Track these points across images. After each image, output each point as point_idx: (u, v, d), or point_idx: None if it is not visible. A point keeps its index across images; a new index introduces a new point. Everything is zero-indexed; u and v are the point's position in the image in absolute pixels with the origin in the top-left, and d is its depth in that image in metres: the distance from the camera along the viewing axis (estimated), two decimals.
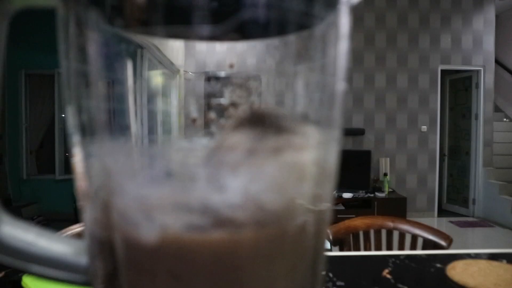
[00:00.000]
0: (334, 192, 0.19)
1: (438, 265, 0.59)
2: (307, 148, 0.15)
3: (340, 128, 0.18)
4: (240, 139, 0.14)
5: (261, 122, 0.15)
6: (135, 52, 0.16)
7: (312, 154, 0.16)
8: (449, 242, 0.97)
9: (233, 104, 0.21)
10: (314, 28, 0.16)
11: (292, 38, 0.16)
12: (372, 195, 3.64)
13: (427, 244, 0.99)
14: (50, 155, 4.01)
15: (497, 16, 4.18)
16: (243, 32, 0.15)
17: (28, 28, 3.57)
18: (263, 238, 0.14)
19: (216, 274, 0.14)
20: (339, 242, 1.09)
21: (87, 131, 0.15)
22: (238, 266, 0.14)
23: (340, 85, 0.17)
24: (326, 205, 0.17)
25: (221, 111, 0.22)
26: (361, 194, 3.65)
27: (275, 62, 0.17)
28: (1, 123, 3.87)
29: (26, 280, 0.43)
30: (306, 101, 0.17)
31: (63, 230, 0.75)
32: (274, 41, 0.16)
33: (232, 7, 0.14)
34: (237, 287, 0.14)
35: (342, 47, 0.17)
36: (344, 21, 0.17)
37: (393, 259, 0.62)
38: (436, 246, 0.97)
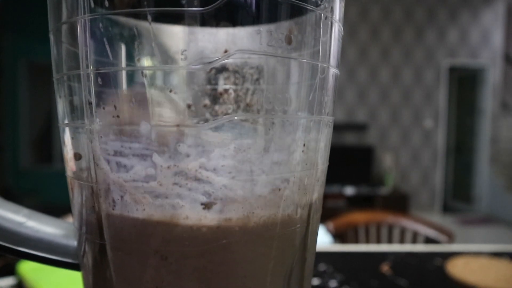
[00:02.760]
0: (324, 181, 0.19)
1: (439, 261, 0.58)
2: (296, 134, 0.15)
3: (332, 115, 0.17)
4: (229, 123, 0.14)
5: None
6: (128, 36, 0.16)
7: (301, 142, 0.15)
8: (451, 238, 0.97)
9: (227, 90, 0.21)
10: (309, 13, 0.16)
11: (286, 24, 0.16)
12: (375, 191, 3.63)
13: (428, 240, 0.99)
14: (49, 146, 4.02)
15: (509, 10, 4.10)
16: (235, 16, 0.15)
17: (28, 17, 3.55)
18: (252, 221, 0.14)
19: (204, 255, 0.14)
20: (340, 236, 1.09)
21: (76, 114, 0.15)
22: (226, 247, 0.14)
23: (333, 71, 0.17)
24: (316, 191, 0.17)
25: (216, 97, 0.22)
26: (364, 190, 3.64)
27: (269, 48, 0.17)
28: (0, 113, 3.86)
29: (22, 269, 0.44)
30: (299, 87, 0.16)
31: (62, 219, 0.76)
32: (268, 27, 0.16)
33: None
34: (225, 268, 0.14)
35: (336, 33, 0.17)
36: (338, 6, 0.17)
37: (393, 254, 0.62)
38: (437, 242, 0.97)
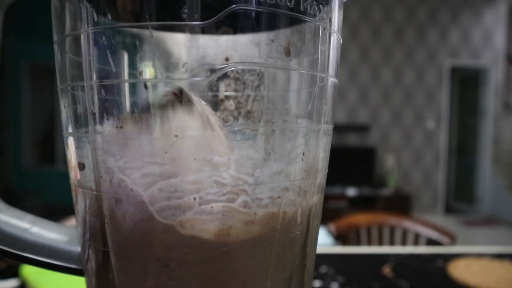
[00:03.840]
0: (324, 185, 0.19)
1: (440, 263, 0.58)
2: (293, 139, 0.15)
3: (331, 123, 0.18)
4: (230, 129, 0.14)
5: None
6: (131, 47, 0.16)
7: (299, 149, 0.16)
8: (453, 240, 0.97)
9: (228, 97, 0.22)
10: (307, 25, 0.16)
11: (285, 35, 0.16)
12: (376, 192, 3.63)
13: (430, 242, 0.99)
14: (52, 146, 4.02)
15: (511, 10, 4.09)
16: (236, 26, 0.16)
17: (31, 18, 3.55)
18: (252, 228, 0.15)
19: (205, 262, 0.14)
20: (342, 237, 1.09)
21: (80, 123, 0.16)
22: (227, 254, 0.14)
23: (332, 81, 0.17)
24: (315, 198, 0.17)
25: (217, 104, 0.22)
26: (366, 190, 3.63)
27: (269, 60, 0.17)
28: (2, 113, 3.86)
29: (24, 271, 0.44)
30: (298, 96, 0.17)
31: (64, 221, 0.76)
32: (268, 39, 0.16)
33: (225, 0, 0.14)
34: (225, 275, 0.14)
35: (334, 43, 0.17)
36: (337, 17, 0.17)
37: (395, 256, 0.62)
38: (439, 243, 0.96)
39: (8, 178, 3.96)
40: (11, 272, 0.48)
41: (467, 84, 4.48)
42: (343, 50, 3.90)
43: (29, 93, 4.00)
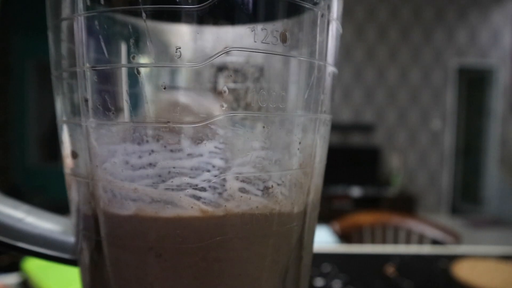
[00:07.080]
0: (322, 181, 0.19)
1: (445, 263, 0.58)
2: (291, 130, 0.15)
3: (329, 113, 0.17)
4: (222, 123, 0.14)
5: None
6: (124, 34, 0.16)
7: (298, 138, 0.15)
8: (457, 239, 0.96)
9: (228, 89, 0.21)
10: (306, 12, 0.16)
11: (283, 22, 0.16)
12: (381, 192, 3.60)
13: (435, 242, 0.98)
14: (56, 144, 4.03)
15: None
16: (232, 16, 0.15)
17: (36, 17, 3.57)
18: (247, 218, 0.14)
19: (198, 252, 0.14)
20: (346, 237, 1.09)
21: (73, 111, 0.15)
22: (221, 245, 0.14)
23: (330, 70, 0.17)
24: (313, 189, 0.17)
25: (217, 96, 0.22)
26: (370, 191, 3.62)
27: (264, 46, 0.17)
28: (8, 111, 3.89)
29: (27, 266, 0.44)
30: (295, 85, 0.16)
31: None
32: (264, 25, 0.16)
33: None
34: (219, 266, 0.14)
35: (333, 31, 0.17)
36: (336, 4, 0.17)
37: (398, 256, 0.61)
38: (444, 244, 0.96)
39: (13, 176, 3.99)
40: (13, 267, 0.48)
41: (474, 84, 4.44)
42: (349, 50, 3.89)
43: (34, 91, 4.03)
